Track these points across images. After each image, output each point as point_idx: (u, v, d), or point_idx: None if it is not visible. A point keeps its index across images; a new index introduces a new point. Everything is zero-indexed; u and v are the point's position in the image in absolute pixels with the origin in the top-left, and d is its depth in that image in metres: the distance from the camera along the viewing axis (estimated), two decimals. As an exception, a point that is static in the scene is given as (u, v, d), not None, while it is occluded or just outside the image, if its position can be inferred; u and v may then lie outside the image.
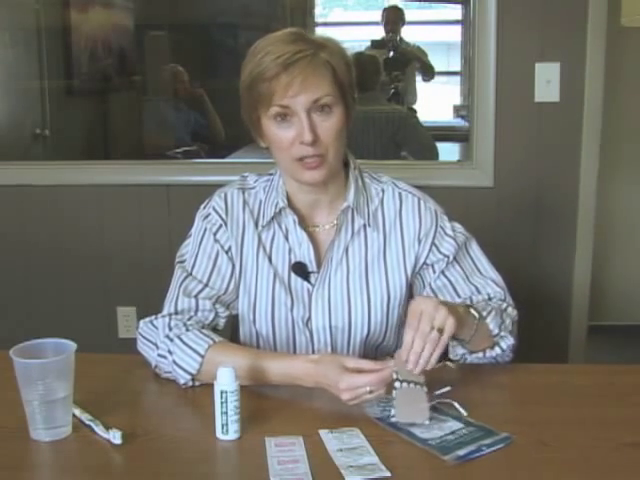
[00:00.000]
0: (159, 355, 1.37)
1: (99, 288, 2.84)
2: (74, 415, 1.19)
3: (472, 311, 1.34)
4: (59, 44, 3.94)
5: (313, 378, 1.28)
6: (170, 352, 1.35)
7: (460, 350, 1.39)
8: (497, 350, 1.40)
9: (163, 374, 1.38)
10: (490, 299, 1.46)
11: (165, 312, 1.44)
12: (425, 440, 1.14)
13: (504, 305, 1.45)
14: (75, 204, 2.81)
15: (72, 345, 1.17)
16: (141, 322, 1.44)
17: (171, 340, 1.36)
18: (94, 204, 2.80)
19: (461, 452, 1.10)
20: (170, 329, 1.38)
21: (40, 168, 2.92)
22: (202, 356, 1.32)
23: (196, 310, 1.43)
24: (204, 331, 1.38)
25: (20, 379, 1.14)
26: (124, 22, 4.37)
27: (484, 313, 1.36)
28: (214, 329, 1.44)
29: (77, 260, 2.83)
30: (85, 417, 1.19)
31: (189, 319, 1.41)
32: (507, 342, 1.40)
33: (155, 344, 1.38)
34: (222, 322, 1.47)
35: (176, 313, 1.42)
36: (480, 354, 1.40)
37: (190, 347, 1.34)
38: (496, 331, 1.38)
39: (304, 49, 1.34)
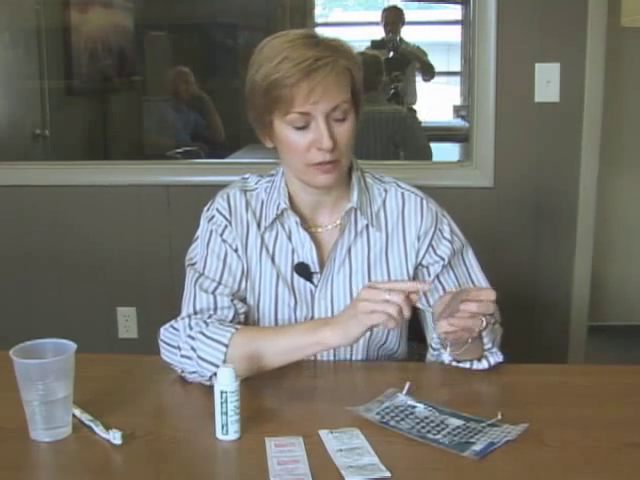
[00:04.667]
0: (182, 356, 1.35)
1: (99, 288, 2.84)
2: (74, 415, 1.19)
3: None
4: (59, 44, 3.94)
5: (332, 321, 1.30)
6: (194, 349, 1.33)
7: (446, 358, 1.39)
8: (484, 364, 1.38)
9: (189, 376, 1.36)
10: None
11: (184, 314, 1.42)
12: (436, 440, 1.14)
13: (492, 320, 1.43)
14: (75, 204, 2.81)
15: (72, 345, 1.17)
16: (161, 329, 1.42)
17: (193, 339, 1.35)
18: (94, 204, 2.81)
19: (477, 447, 1.11)
20: (191, 328, 1.37)
21: (40, 168, 2.92)
22: (226, 345, 1.31)
23: (215, 308, 1.42)
24: (224, 323, 1.37)
25: (20, 379, 1.14)
26: (124, 22, 4.37)
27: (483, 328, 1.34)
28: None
29: (77, 260, 2.83)
30: (85, 417, 1.19)
31: (209, 317, 1.40)
32: (496, 359, 1.39)
33: (177, 347, 1.37)
34: (242, 318, 1.45)
35: (195, 313, 1.41)
36: (467, 364, 1.39)
37: (213, 339, 1.33)
38: (489, 345, 1.37)
39: (325, 55, 1.33)
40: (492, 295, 1.27)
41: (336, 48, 1.37)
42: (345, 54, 1.37)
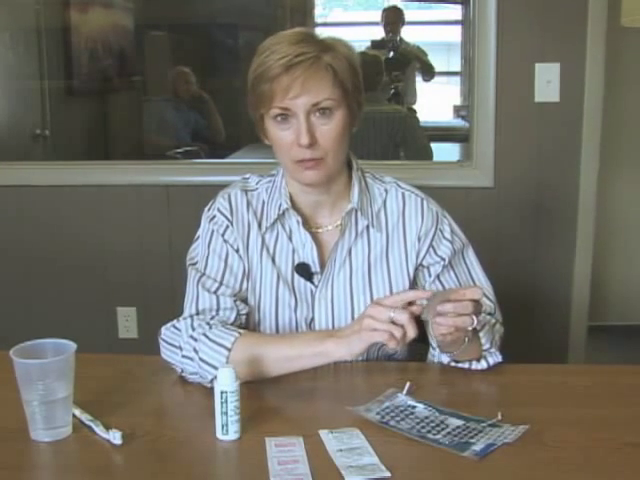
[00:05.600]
0: (184, 356, 1.35)
1: (99, 288, 2.84)
2: (74, 415, 1.19)
3: None
4: (59, 44, 3.94)
5: (336, 334, 1.30)
6: (196, 351, 1.33)
7: (445, 359, 1.39)
8: (483, 364, 1.38)
9: (189, 377, 1.36)
10: None
11: (186, 314, 1.42)
12: (436, 440, 1.14)
13: (492, 320, 1.43)
14: (75, 204, 2.81)
15: (72, 345, 1.17)
16: (162, 328, 1.42)
17: (195, 340, 1.34)
18: (94, 204, 2.81)
19: (477, 447, 1.11)
20: (193, 329, 1.37)
21: (40, 168, 2.93)
22: (229, 349, 1.31)
23: (217, 309, 1.42)
24: (228, 326, 1.37)
25: (20, 379, 1.14)
26: (124, 22, 4.37)
27: (478, 326, 1.33)
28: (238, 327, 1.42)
29: (77, 260, 2.83)
30: (85, 417, 1.19)
31: (211, 318, 1.39)
32: (495, 359, 1.39)
33: (179, 347, 1.36)
34: (244, 319, 1.45)
35: (197, 313, 1.41)
36: (466, 364, 1.39)
37: (216, 342, 1.33)
38: (487, 346, 1.37)
39: (307, 51, 1.33)
40: (476, 294, 1.25)
41: (325, 45, 1.36)
42: (333, 52, 1.36)
